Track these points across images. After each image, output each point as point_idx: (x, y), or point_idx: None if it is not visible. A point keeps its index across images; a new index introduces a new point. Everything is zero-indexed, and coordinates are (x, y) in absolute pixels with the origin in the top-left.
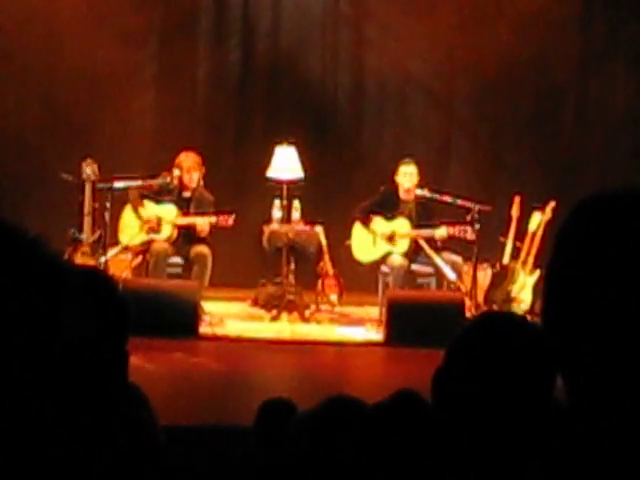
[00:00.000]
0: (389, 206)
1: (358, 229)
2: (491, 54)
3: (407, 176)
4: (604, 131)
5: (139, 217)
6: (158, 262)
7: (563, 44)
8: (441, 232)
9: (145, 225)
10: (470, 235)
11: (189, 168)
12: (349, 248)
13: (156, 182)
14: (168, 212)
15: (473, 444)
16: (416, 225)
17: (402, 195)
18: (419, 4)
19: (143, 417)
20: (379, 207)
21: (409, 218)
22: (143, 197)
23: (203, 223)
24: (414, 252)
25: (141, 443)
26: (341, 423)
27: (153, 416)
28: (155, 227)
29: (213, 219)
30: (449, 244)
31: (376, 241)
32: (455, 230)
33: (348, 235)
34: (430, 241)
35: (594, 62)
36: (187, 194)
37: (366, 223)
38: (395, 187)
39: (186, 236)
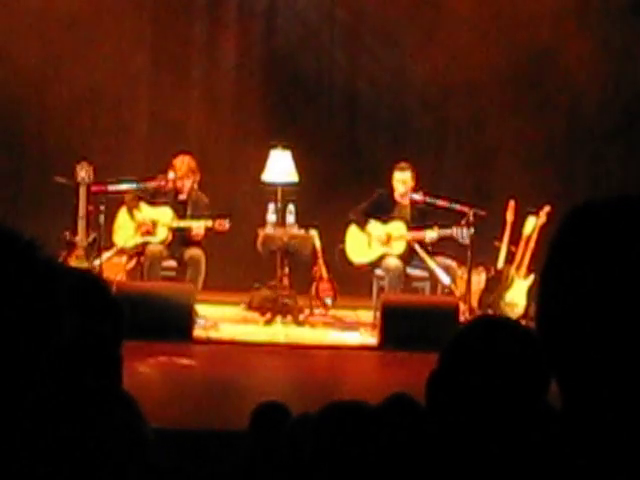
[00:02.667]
0: (384, 209)
1: (353, 231)
2: (486, 59)
3: (401, 182)
4: (598, 137)
5: (134, 219)
6: (153, 264)
7: (557, 50)
8: (431, 234)
9: (140, 227)
10: (465, 238)
11: (182, 175)
12: (342, 251)
13: (151, 185)
14: (164, 215)
15: (467, 447)
16: (411, 227)
17: (397, 199)
18: (414, 9)
19: (136, 422)
20: (374, 210)
21: (404, 221)
22: (139, 200)
23: (199, 227)
24: (409, 255)
25: (134, 447)
26: (340, 428)
27: (143, 420)
28: (150, 229)
29: (209, 223)
30: (444, 248)
31: (371, 243)
32: (450, 232)
33: (342, 239)
34: (425, 245)
35: (588, 67)
36: (183, 197)
37: (362, 226)
38: (391, 190)
39: (180, 239)
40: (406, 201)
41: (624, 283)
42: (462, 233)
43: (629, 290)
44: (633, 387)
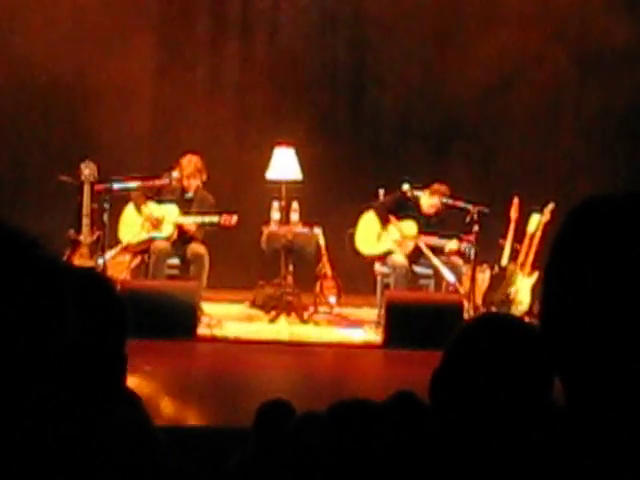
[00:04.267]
0: (406, 208)
1: (367, 220)
2: (490, 57)
3: (429, 206)
4: (602, 134)
5: (141, 214)
6: (159, 260)
7: (561, 47)
8: (451, 245)
9: (146, 223)
10: (470, 254)
11: (189, 175)
12: (352, 236)
13: (155, 183)
14: (170, 212)
15: (470, 446)
16: (425, 232)
17: (425, 208)
18: (418, 7)
19: (139, 420)
20: (397, 205)
21: (418, 223)
22: (147, 197)
23: (189, 223)
24: (415, 254)
25: (136, 446)
26: (344, 425)
27: (149, 419)
28: (156, 225)
29: (215, 218)
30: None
31: (381, 237)
32: (462, 246)
33: (353, 225)
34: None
35: (592, 65)
36: (190, 195)
37: (383, 222)
38: (418, 198)
39: (183, 236)
40: (431, 212)
41: (625, 281)
42: (469, 250)
43: (630, 289)
44: (633, 387)
